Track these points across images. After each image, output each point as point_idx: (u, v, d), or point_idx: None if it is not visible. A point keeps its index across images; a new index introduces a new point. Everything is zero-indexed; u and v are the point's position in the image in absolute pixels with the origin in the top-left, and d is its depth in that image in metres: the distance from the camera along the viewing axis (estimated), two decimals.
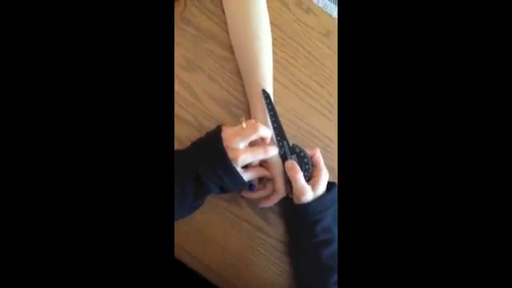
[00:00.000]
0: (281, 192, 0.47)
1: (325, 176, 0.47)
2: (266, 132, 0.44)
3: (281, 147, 0.47)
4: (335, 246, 0.46)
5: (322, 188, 0.46)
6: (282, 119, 0.50)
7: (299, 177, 0.45)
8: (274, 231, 0.52)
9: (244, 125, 0.44)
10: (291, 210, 0.48)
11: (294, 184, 0.45)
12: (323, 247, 0.46)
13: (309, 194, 0.45)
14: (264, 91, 0.47)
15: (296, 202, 0.46)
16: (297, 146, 0.47)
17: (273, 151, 0.45)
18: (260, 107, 0.47)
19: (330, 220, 0.46)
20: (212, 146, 0.43)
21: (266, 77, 0.48)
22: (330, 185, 0.48)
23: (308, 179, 0.46)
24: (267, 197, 0.48)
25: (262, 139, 0.45)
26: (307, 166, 0.46)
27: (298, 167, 0.46)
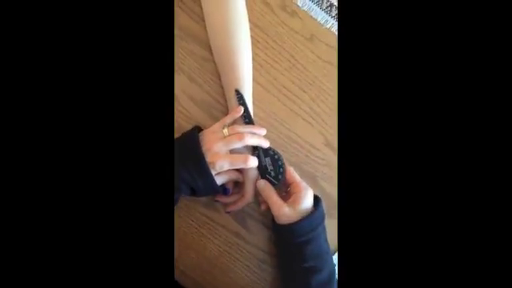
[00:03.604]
0: (248, 197, 0.46)
1: (305, 190, 0.44)
2: (253, 142, 0.43)
3: (254, 149, 0.46)
4: (326, 273, 0.43)
5: (306, 203, 0.43)
6: (262, 123, 0.49)
7: (272, 195, 0.43)
8: (252, 237, 0.50)
9: (225, 131, 0.43)
10: (276, 231, 0.47)
11: (270, 205, 0.44)
12: (313, 274, 0.43)
13: (285, 211, 0.43)
14: (237, 92, 0.46)
15: (278, 222, 0.44)
16: (270, 148, 0.46)
17: (253, 162, 0.43)
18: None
19: (319, 243, 0.43)
20: (189, 148, 0.42)
21: (245, 79, 0.46)
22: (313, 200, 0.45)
23: (285, 193, 0.45)
24: (234, 201, 0.47)
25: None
26: (281, 169, 0.45)
27: (270, 186, 0.44)
